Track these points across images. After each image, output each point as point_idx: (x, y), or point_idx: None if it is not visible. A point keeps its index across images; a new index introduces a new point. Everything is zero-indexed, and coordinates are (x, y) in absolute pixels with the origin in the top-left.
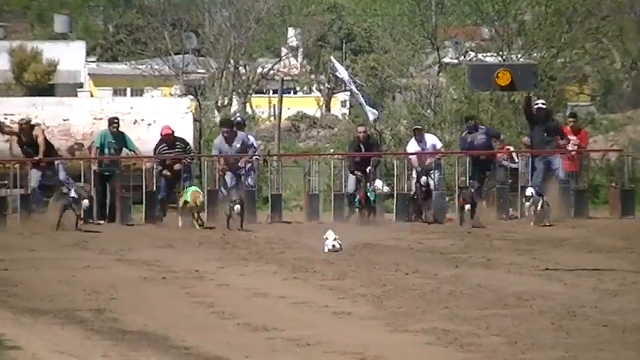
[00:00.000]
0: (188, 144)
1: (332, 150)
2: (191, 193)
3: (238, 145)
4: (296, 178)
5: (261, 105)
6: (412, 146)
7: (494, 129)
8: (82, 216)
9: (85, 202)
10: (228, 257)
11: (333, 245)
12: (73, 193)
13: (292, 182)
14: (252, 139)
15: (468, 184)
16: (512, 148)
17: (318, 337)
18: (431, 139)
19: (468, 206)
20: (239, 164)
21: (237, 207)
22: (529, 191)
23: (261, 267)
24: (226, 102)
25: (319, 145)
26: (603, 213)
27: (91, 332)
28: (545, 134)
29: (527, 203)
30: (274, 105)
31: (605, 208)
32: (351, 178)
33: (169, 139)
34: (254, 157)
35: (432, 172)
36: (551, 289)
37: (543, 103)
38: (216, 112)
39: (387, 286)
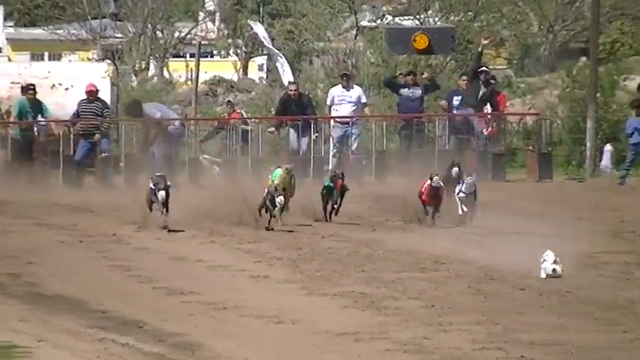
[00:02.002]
0: (108, 107)
1: (249, 114)
2: (280, 175)
3: (158, 115)
4: (213, 141)
5: (178, 69)
6: (337, 90)
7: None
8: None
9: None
10: (145, 221)
11: (554, 270)
12: None
13: (210, 146)
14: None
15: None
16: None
17: (234, 301)
18: (357, 91)
19: None
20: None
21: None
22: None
23: (179, 231)
24: (144, 66)
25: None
26: (521, 176)
27: (8, 297)
28: (480, 98)
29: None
30: (191, 69)
31: (522, 172)
32: (292, 133)
33: (92, 95)
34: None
35: (350, 130)
36: (468, 252)
37: (487, 67)
38: (133, 76)
39: (303, 250)
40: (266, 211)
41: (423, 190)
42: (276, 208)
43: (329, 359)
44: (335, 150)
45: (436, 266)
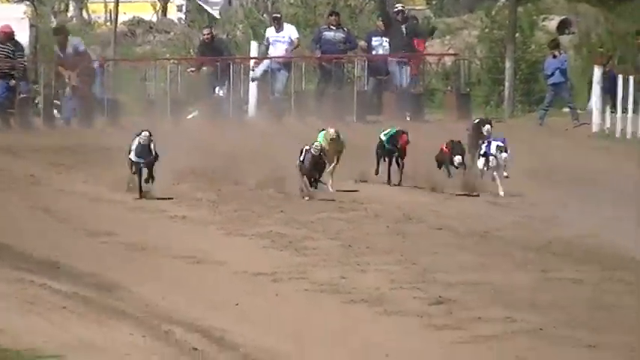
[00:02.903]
0: (21, 49)
1: (168, 55)
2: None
3: (71, 51)
4: (133, 83)
5: (97, 10)
6: (270, 32)
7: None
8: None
9: None
10: (66, 163)
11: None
12: None
13: (129, 87)
14: (82, 45)
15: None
16: None
17: (153, 242)
18: (288, 30)
19: None
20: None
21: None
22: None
23: (98, 173)
24: (63, 7)
25: (156, 50)
26: (439, 117)
27: None
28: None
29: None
30: (110, 10)
31: (441, 112)
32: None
33: (6, 37)
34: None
35: (277, 70)
36: (387, 193)
37: (402, 6)
38: (52, 17)
39: (222, 191)
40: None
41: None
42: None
43: (247, 299)
44: (255, 90)
45: (354, 206)
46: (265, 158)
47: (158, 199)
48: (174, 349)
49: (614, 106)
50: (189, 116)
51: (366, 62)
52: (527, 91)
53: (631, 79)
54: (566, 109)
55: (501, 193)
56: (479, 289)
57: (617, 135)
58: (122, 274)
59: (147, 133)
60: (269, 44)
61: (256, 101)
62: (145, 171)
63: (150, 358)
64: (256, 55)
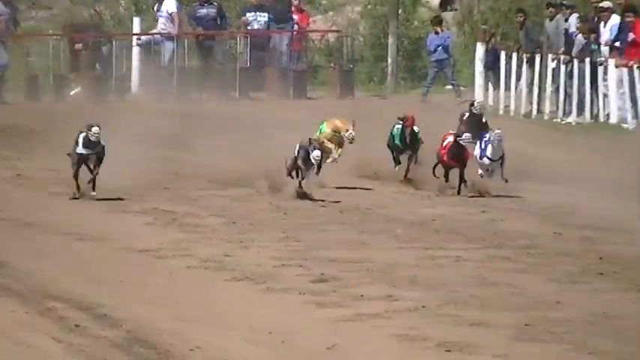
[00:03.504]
0: None
1: (50, 31)
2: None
3: None
4: (15, 59)
5: None
6: (157, 7)
7: None
8: None
9: None
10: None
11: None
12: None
13: (12, 63)
14: None
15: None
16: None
17: (36, 218)
18: (168, 4)
19: None
20: None
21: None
22: None
23: None
24: None
25: (39, 26)
26: (322, 93)
27: None
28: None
29: None
30: None
31: (324, 89)
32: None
33: None
34: None
35: (163, 45)
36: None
37: None
38: None
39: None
40: (297, 173)
41: (443, 146)
42: (312, 167)
43: (131, 276)
44: (138, 66)
45: (239, 183)
46: (148, 134)
47: (39, 177)
48: (56, 325)
49: (496, 83)
50: (72, 92)
51: (248, 38)
52: (411, 68)
53: (514, 55)
54: (449, 86)
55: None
56: (362, 267)
57: (500, 112)
58: (6, 251)
59: (97, 129)
60: (157, 19)
61: (139, 77)
62: (92, 160)
63: (32, 335)
64: (139, 31)
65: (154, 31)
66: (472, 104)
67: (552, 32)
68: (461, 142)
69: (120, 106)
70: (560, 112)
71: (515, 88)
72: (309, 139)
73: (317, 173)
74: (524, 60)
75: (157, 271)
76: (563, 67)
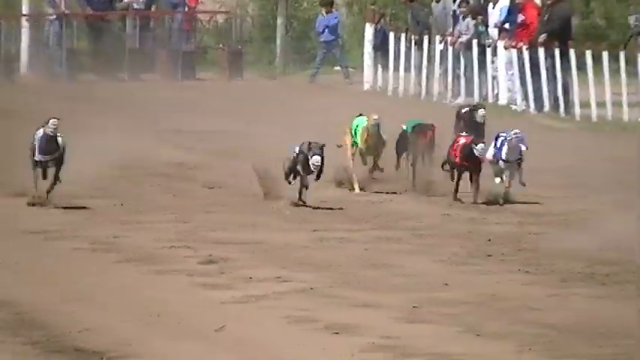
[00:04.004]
0: None
1: None
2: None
3: None
4: None
5: None
6: None
7: None
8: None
9: None
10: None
11: None
12: None
13: None
14: None
15: None
16: None
17: None
18: None
19: None
20: None
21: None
22: None
23: None
24: None
25: None
26: (211, 75)
27: None
28: None
29: None
30: None
31: (213, 70)
32: None
33: None
34: None
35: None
36: (164, 152)
37: None
38: None
39: None
40: (294, 177)
41: (455, 147)
42: (309, 175)
43: (18, 257)
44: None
45: (133, 164)
46: (33, 115)
47: None
48: None
49: (385, 64)
50: None
51: (138, 19)
52: (300, 49)
53: (402, 36)
54: (338, 67)
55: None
56: (250, 249)
57: (389, 93)
58: None
59: (55, 122)
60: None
61: (28, 59)
62: (51, 170)
63: None
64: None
65: (43, 12)
66: (475, 109)
67: (439, 14)
68: (475, 151)
69: (8, 87)
70: (449, 94)
71: (404, 69)
72: (309, 142)
73: (316, 179)
74: (413, 42)
75: (45, 252)
76: (450, 49)
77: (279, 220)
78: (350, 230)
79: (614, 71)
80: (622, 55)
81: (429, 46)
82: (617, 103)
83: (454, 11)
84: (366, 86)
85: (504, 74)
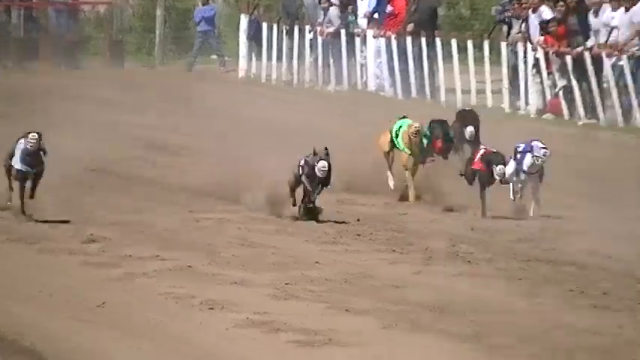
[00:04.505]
0: None
1: None
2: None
3: None
4: None
5: None
6: None
7: None
8: None
9: None
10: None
11: None
12: None
13: None
14: None
15: None
16: None
17: None
18: None
19: None
20: None
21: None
22: None
23: None
24: None
25: None
26: (94, 64)
27: None
28: None
29: None
30: None
31: (95, 59)
32: None
33: None
34: None
35: None
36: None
37: None
38: None
39: None
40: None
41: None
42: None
43: None
44: None
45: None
46: None
47: None
48: None
49: (259, 53)
50: None
51: (22, 10)
52: (178, 39)
53: (274, 27)
54: (214, 56)
55: (531, 213)
56: (130, 229)
57: (263, 80)
58: None
59: (35, 136)
60: None
61: None
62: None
63: None
64: None
65: None
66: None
67: (309, 5)
68: (495, 174)
69: None
70: (320, 81)
71: (277, 58)
72: (314, 149)
73: (327, 185)
74: (284, 31)
75: None
76: (319, 39)
77: (161, 204)
78: (224, 211)
79: (479, 59)
80: (486, 45)
81: (299, 36)
82: (482, 91)
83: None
84: (241, 74)
85: (373, 62)
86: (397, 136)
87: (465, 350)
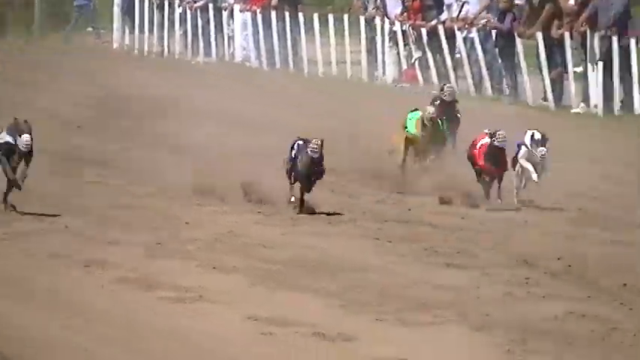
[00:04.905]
0: None
1: None
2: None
3: None
4: None
5: None
6: None
7: None
8: None
9: None
10: None
11: None
12: None
13: None
14: None
15: None
16: None
17: None
18: None
19: None
20: None
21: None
22: None
23: None
24: None
25: None
26: None
27: None
28: None
29: None
30: None
31: None
32: None
33: None
34: None
35: None
36: None
37: None
38: None
39: None
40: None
41: (477, 149)
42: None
43: None
44: None
45: None
46: None
47: None
48: None
49: (132, 27)
50: None
51: None
52: (55, 13)
53: (146, 1)
54: (90, 29)
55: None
56: (17, 193)
57: (135, 52)
58: None
59: (27, 137)
60: None
61: None
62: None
63: None
64: None
65: None
66: (442, 89)
67: None
68: (496, 142)
69: None
70: (189, 53)
71: (149, 31)
72: (304, 139)
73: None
74: (155, 5)
75: None
76: (189, 12)
77: (41, 171)
78: (101, 176)
79: (339, 33)
80: (346, 18)
81: (169, 10)
82: (342, 62)
83: None
84: (115, 45)
85: (240, 35)
86: (407, 127)
87: (329, 306)
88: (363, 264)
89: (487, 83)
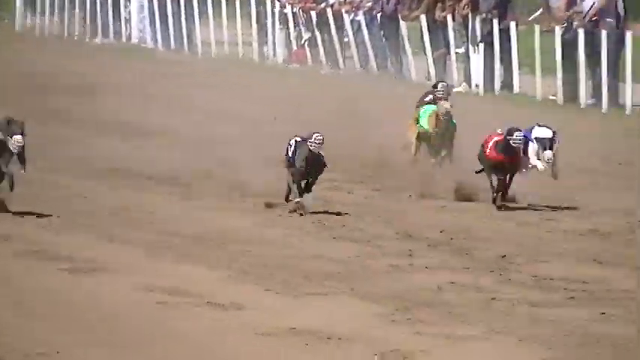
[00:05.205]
0: None
1: None
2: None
3: None
4: None
5: None
6: None
7: None
8: None
9: None
10: None
11: None
12: None
13: None
14: None
15: None
16: None
17: None
18: None
19: None
20: None
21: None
22: None
23: None
24: None
25: None
26: None
27: None
28: None
29: None
30: None
31: None
32: None
33: None
34: None
35: None
36: None
37: None
38: None
39: None
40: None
41: (488, 147)
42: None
43: None
44: None
45: None
46: None
47: None
48: None
49: (34, 9)
50: None
51: None
52: None
53: None
54: None
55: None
56: None
57: (36, 34)
58: None
59: (19, 139)
60: None
61: None
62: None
63: None
64: None
65: None
66: (435, 86)
67: None
68: (512, 142)
69: None
70: (88, 34)
71: (49, 13)
72: (302, 138)
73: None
74: None
75: None
76: None
77: None
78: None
79: (232, 15)
80: (237, 1)
81: None
82: (233, 43)
83: None
84: (17, 27)
85: (136, 17)
86: (419, 122)
87: (221, 278)
88: (254, 237)
89: (373, 62)
